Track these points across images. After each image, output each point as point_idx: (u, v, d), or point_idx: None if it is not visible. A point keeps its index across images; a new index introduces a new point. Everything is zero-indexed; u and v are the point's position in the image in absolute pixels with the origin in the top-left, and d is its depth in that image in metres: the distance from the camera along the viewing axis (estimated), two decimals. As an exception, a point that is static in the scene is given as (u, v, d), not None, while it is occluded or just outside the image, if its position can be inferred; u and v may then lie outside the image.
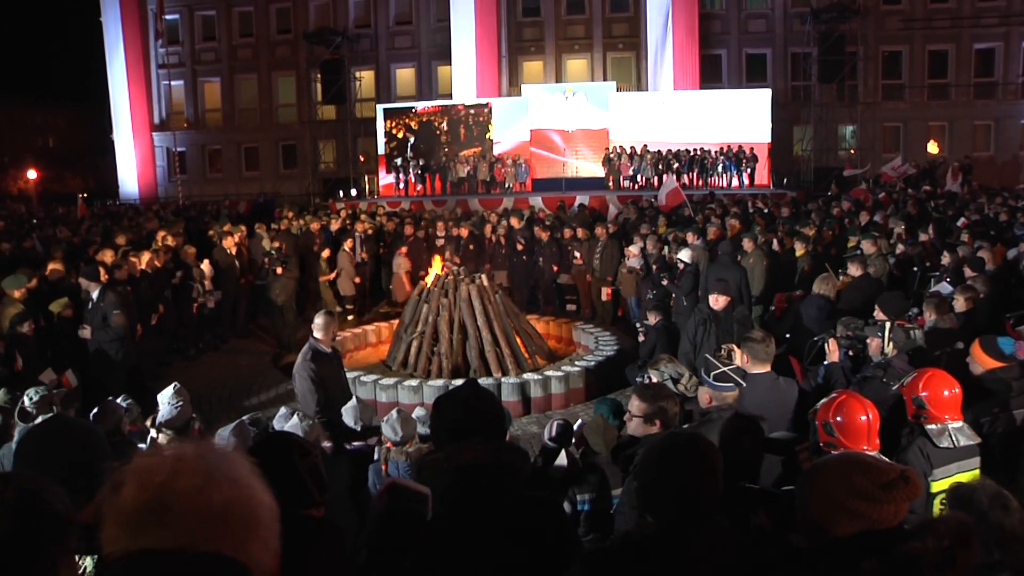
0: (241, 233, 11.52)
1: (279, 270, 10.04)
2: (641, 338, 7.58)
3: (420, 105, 26.84)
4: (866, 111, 26.32)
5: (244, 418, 4.08)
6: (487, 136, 25.51)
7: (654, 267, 10.06)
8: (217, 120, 31.92)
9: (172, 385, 4.48)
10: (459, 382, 7.49)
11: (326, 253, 11.56)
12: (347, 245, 11.80)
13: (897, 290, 6.80)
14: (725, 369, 3.66)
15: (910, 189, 17.86)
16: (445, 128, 25.90)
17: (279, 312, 10.22)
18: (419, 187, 24.94)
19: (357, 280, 11.82)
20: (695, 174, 23.26)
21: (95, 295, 7.53)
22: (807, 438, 3.01)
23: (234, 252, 10.79)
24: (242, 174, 31.49)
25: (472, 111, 25.72)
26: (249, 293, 11.33)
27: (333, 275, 11.52)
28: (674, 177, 17.59)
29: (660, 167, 23.08)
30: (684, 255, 8.65)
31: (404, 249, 11.70)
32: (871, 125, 26.35)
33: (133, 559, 0.96)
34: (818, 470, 1.79)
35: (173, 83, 31.91)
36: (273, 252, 10.22)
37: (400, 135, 26.14)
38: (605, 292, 11.03)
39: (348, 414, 4.71)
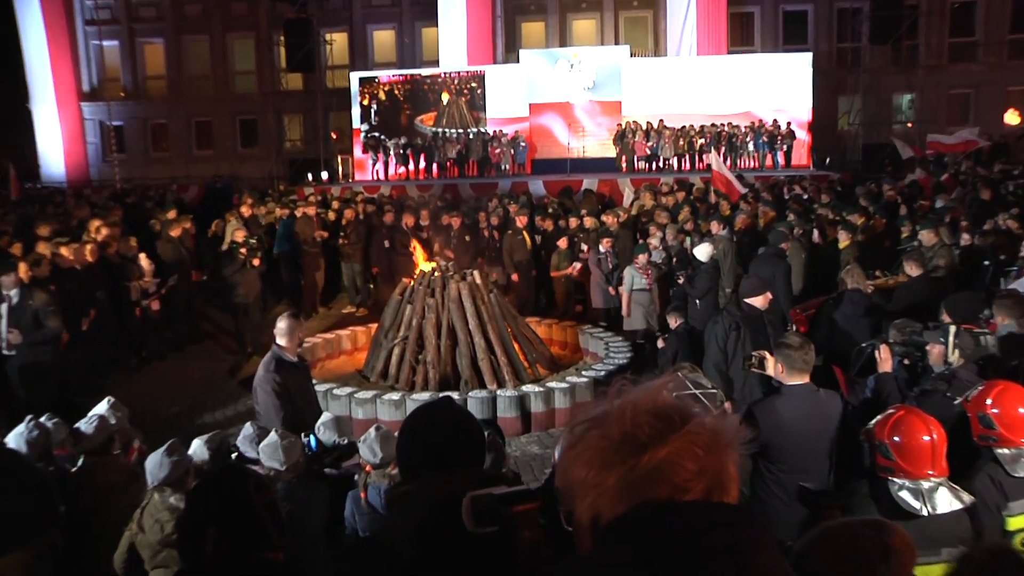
0: (189, 222, 11.52)
1: (256, 262, 10.08)
2: (660, 343, 7.56)
3: (384, 74, 27.09)
4: (928, 76, 25.87)
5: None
6: (441, 101, 25.99)
7: (674, 261, 10.05)
8: (161, 89, 31.79)
9: (106, 400, 4.45)
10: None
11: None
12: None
13: (964, 289, 6.75)
14: (695, 392, 3.62)
15: (980, 168, 17.71)
16: (411, 97, 26.37)
17: (243, 311, 10.24)
18: (401, 169, 24.93)
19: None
20: (722, 153, 23.23)
21: (14, 295, 7.49)
22: (841, 495, 2.99)
23: (183, 244, 10.80)
24: (193, 153, 31.39)
25: (428, 79, 26.25)
26: (200, 291, 11.32)
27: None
28: (713, 154, 17.54)
29: (681, 145, 23.05)
30: (701, 252, 8.59)
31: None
32: (934, 93, 25.83)
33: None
34: (807, 549, 1.98)
35: (105, 43, 31.54)
36: (252, 241, 10.25)
37: (365, 103, 26.49)
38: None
39: (328, 428, 4.68)
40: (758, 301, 6.14)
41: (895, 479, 2.89)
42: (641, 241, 10.68)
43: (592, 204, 15.44)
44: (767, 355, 4.44)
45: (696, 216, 12.11)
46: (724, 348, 6.01)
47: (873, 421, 3.01)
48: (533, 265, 12.05)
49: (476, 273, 9.10)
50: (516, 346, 8.88)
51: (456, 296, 8.67)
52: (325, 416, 4.87)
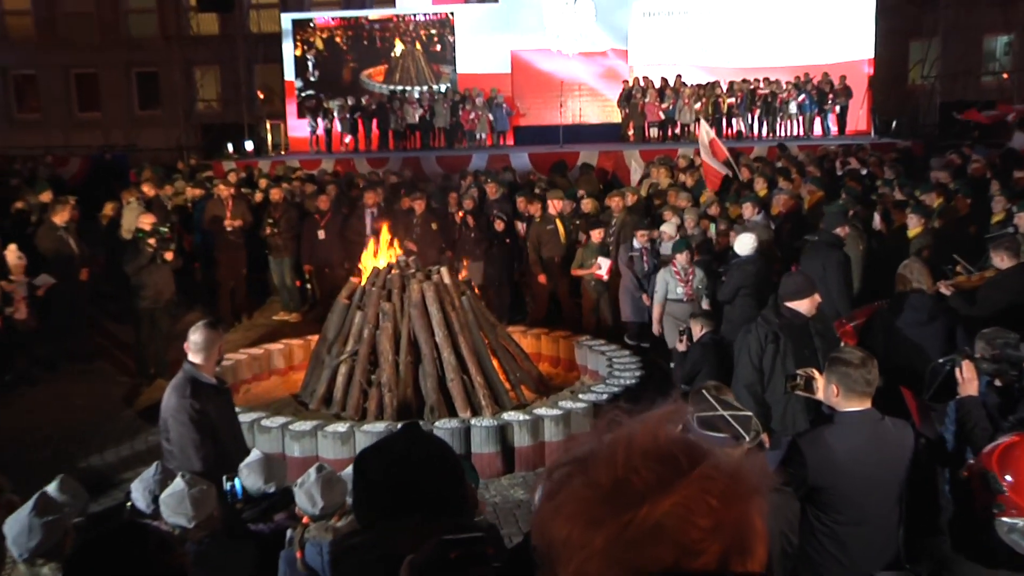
0: (71, 206, 11.46)
1: (168, 256, 10.12)
2: (679, 346, 7.57)
3: (322, 16, 27.24)
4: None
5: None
6: (393, 53, 26.33)
7: (695, 256, 10.09)
8: (27, 30, 31.33)
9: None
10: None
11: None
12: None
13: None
14: (724, 413, 3.59)
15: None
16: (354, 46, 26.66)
17: (148, 320, 10.21)
18: (348, 138, 24.87)
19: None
20: (757, 116, 23.37)
21: None
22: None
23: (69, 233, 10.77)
24: (73, 116, 31.12)
25: (377, 24, 26.54)
26: (89, 294, 11.29)
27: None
28: (706, 126, 17.40)
29: (705, 105, 23.13)
30: (742, 244, 8.56)
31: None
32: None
33: None
34: None
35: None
36: (164, 230, 10.26)
37: (299, 53, 26.69)
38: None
39: (253, 472, 4.66)
40: (803, 305, 6.14)
41: (1006, 518, 2.90)
42: (656, 232, 10.65)
43: (591, 183, 15.49)
44: (816, 374, 4.45)
45: (723, 197, 12.16)
46: (759, 365, 6.03)
47: (980, 453, 3.05)
48: (565, 266, 11.57)
49: (444, 271, 9.11)
50: (495, 363, 8.91)
51: (419, 300, 8.66)
52: (252, 455, 4.85)
